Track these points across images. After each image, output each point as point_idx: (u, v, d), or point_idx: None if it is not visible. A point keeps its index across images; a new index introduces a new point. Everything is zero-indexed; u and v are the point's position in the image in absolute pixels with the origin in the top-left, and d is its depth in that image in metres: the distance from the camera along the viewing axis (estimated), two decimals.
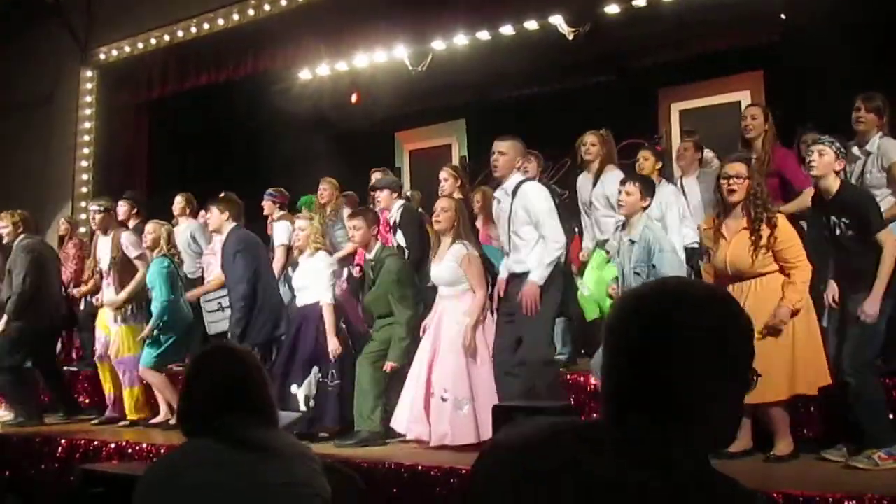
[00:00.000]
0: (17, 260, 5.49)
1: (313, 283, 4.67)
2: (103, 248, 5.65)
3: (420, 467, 3.57)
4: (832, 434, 3.56)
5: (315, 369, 4.53)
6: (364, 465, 3.65)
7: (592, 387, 4.24)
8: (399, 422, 4.23)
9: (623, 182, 3.94)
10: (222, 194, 5.33)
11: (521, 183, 3.99)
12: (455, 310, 4.20)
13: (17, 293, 5.39)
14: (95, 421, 5.64)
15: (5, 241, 5.65)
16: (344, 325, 4.78)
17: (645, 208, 3.86)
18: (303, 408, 4.44)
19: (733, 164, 3.65)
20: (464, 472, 3.36)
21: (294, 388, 4.50)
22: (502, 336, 4.05)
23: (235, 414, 1.83)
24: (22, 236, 5.62)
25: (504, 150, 4.03)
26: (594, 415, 4.06)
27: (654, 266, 3.69)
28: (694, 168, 4.92)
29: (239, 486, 1.76)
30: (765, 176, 3.90)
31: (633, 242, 3.78)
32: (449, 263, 4.20)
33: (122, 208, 5.92)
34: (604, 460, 0.99)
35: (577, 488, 0.99)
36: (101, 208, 5.66)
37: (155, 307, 5.17)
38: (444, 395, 4.06)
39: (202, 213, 5.21)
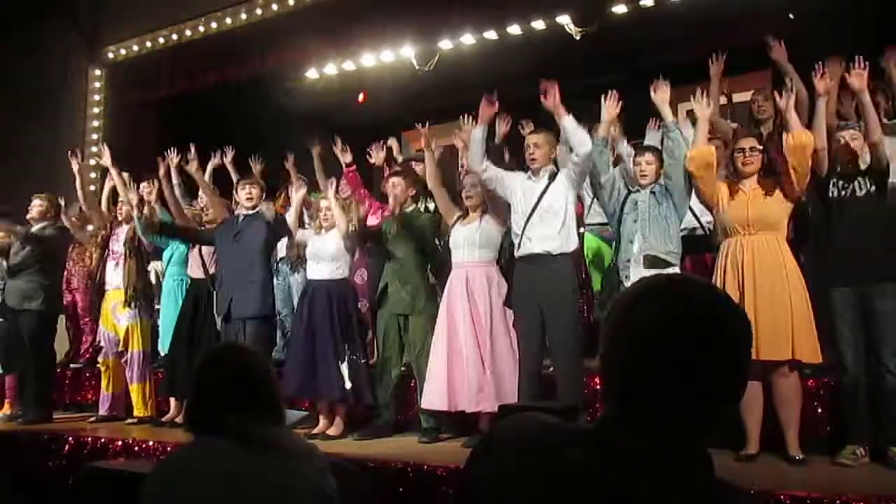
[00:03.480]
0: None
1: (337, 257, 4.75)
2: (120, 236, 5.76)
3: (426, 466, 3.56)
4: (841, 436, 3.55)
5: (346, 346, 4.58)
6: (370, 465, 3.65)
7: (599, 387, 4.24)
8: (437, 399, 4.24)
9: (640, 154, 4.03)
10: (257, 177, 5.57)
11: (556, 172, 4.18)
12: (482, 278, 4.30)
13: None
14: (93, 419, 5.68)
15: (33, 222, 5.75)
16: (362, 307, 4.96)
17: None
18: (348, 385, 4.51)
19: (747, 138, 3.82)
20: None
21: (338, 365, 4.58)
22: (528, 339, 4.07)
23: (243, 412, 1.84)
24: (43, 223, 5.75)
25: (539, 142, 4.18)
26: (598, 415, 4.06)
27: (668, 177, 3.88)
28: None
29: (246, 484, 1.76)
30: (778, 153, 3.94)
31: (652, 193, 3.91)
32: (479, 225, 4.36)
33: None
34: (603, 464, 0.98)
35: (575, 491, 0.98)
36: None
37: None
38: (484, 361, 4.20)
39: (240, 190, 5.22)
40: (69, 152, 6.41)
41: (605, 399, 1.06)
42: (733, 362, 1.01)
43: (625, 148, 4.68)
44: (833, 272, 3.59)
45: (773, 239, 3.62)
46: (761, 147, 3.72)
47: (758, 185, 3.69)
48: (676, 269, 3.86)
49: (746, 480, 2.90)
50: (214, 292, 5.08)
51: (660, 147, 4.23)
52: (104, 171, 6.37)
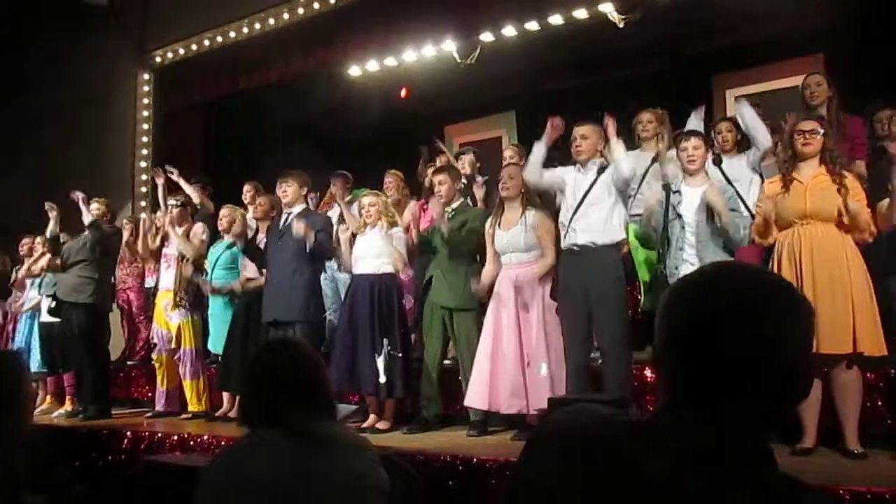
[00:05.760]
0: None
1: (382, 254, 4.74)
2: (173, 241, 5.85)
3: (475, 460, 3.56)
4: None
5: (385, 341, 4.60)
6: (420, 458, 3.67)
7: (649, 379, 4.19)
8: (478, 398, 4.25)
9: (685, 139, 3.93)
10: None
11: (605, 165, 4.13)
12: (529, 276, 4.28)
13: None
14: (149, 415, 5.85)
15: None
16: (406, 303, 5.00)
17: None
18: (382, 378, 4.53)
19: (807, 120, 3.67)
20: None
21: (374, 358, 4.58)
22: (575, 331, 4.05)
23: (296, 406, 1.86)
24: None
25: (586, 133, 4.16)
26: (650, 408, 4.02)
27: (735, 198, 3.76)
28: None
29: (299, 478, 1.78)
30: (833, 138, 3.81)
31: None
32: (523, 229, 4.33)
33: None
34: (659, 458, 0.96)
35: (630, 485, 0.96)
36: (179, 203, 5.91)
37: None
38: (530, 362, 4.18)
39: (277, 188, 5.27)
40: (156, 169, 6.46)
41: (660, 392, 1.05)
42: (789, 353, 0.98)
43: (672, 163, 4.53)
44: (888, 260, 3.48)
45: (834, 228, 3.47)
46: (822, 130, 3.56)
47: (817, 177, 3.52)
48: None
49: (804, 474, 2.82)
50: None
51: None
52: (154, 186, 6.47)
